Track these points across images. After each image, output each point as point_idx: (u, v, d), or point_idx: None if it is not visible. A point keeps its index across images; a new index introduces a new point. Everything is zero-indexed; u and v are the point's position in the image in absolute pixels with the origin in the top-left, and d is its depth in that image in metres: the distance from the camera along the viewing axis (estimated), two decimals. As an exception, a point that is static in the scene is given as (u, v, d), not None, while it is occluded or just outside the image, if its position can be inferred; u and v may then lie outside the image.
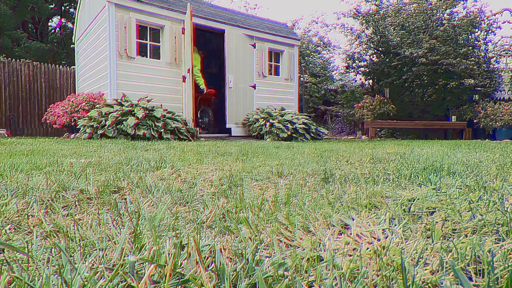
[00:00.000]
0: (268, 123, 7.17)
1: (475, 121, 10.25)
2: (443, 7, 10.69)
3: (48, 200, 1.21)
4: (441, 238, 0.86)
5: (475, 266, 0.68)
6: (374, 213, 1.09)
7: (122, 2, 6.43)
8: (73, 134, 6.38)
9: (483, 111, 10.03)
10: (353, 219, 1.00)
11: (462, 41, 10.80)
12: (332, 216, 1.02)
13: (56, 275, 0.64)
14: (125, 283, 0.62)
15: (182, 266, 0.68)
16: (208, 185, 1.57)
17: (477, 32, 11.00)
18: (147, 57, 6.96)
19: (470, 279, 0.65)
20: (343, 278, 0.64)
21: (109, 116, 5.51)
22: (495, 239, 0.84)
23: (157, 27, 7.01)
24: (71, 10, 16.51)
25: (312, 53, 15.18)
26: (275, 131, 7.06)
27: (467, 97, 11.06)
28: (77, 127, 5.93)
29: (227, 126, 7.91)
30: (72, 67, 10.30)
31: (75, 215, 1.08)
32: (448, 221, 0.98)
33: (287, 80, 9.16)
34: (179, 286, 0.62)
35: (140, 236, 0.84)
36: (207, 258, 0.73)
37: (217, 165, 2.24)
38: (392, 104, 10.98)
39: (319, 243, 0.84)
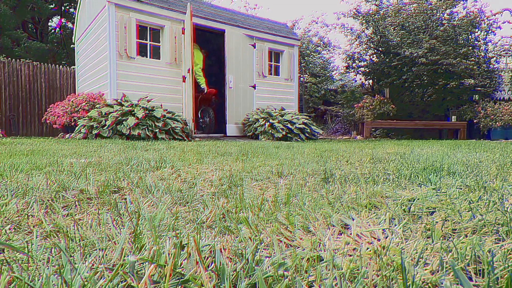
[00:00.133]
0: (268, 123, 7.18)
1: (475, 121, 10.25)
2: (443, 7, 10.69)
3: (48, 200, 1.21)
4: (441, 238, 0.86)
5: (475, 266, 0.68)
6: (374, 213, 1.09)
7: (122, 2, 6.43)
8: (68, 134, 6.38)
9: (483, 111, 10.03)
10: (353, 219, 1.00)
11: (462, 41, 10.80)
12: (332, 216, 1.02)
13: (56, 275, 0.64)
14: (125, 283, 0.62)
15: (182, 266, 0.68)
16: (208, 185, 1.57)
17: (477, 32, 11.00)
18: (147, 57, 6.96)
19: (470, 279, 0.65)
20: (343, 278, 0.64)
21: (109, 116, 5.51)
22: (495, 239, 0.84)
23: (157, 27, 7.01)
24: (71, 10, 16.51)
25: (312, 53, 15.19)
26: (270, 131, 7.07)
27: (467, 97, 11.06)
28: (77, 127, 5.93)
29: (227, 126, 7.91)
30: (72, 67, 10.29)
31: (75, 215, 1.08)
32: (448, 221, 0.98)
33: (287, 80, 9.16)
34: (179, 286, 0.62)
35: (140, 236, 0.84)
36: (207, 258, 0.73)
37: (217, 165, 2.24)
38: (392, 104, 10.98)
39: (319, 243, 0.84)
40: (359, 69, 12.51)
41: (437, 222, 0.98)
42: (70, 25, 16.61)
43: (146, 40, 6.98)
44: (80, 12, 8.74)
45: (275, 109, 8.01)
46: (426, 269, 0.68)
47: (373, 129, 11.62)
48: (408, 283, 0.61)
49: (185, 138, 6.10)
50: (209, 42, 8.96)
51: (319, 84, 14.70)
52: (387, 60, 11.65)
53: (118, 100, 6.05)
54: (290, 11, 60.20)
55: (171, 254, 0.70)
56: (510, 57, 11.25)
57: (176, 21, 7.10)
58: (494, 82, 11.07)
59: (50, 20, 17.08)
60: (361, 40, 12.09)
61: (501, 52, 11.08)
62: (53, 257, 0.73)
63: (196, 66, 7.39)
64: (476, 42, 11.13)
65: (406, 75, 11.13)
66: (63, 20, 16.52)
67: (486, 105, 10.15)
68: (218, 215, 1.06)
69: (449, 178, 1.72)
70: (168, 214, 1.08)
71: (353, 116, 11.94)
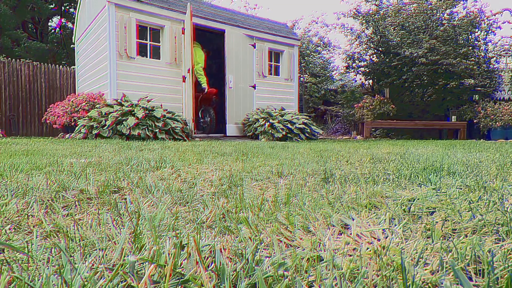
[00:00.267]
0: (268, 123, 7.18)
1: (475, 121, 10.24)
2: (443, 7, 10.69)
3: (48, 200, 1.21)
4: (441, 238, 0.86)
5: (475, 266, 0.68)
6: (374, 213, 1.09)
7: (122, 2, 6.43)
8: (68, 134, 6.38)
9: (483, 111, 10.03)
10: (353, 219, 1.00)
11: (462, 41, 10.79)
12: (332, 216, 1.02)
13: (56, 275, 0.64)
14: (125, 283, 0.62)
15: (182, 266, 0.68)
16: (208, 185, 1.57)
17: (477, 32, 11.00)
18: (147, 57, 6.96)
19: (470, 279, 0.65)
20: (343, 278, 0.64)
21: (109, 116, 5.51)
22: (495, 239, 0.84)
23: (157, 27, 7.01)
24: (71, 10, 16.50)
25: (312, 53, 15.19)
26: (270, 131, 7.06)
27: (467, 97, 11.06)
28: (77, 127, 5.93)
29: (227, 126, 7.91)
30: (72, 67, 10.29)
31: (75, 215, 1.08)
32: (448, 221, 0.98)
33: (287, 80, 9.16)
34: (179, 286, 0.62)
35: (140, 236, 0.84)
36: (207, 258, 0.73)
37: (217, 165, 2.24)
38: (392, 104, 10.98)
39: (319, 243, 0.84)
40: (359, 69, 12.51)
41: (437, 222, 0.98)
42: (70, 25, 16.61)
43: (146, 40, 6.98)
44: (80, 12, 8.74)
45: (275, 109, 8.01)
46: (426, 269, 0.68)
47: (373, 129, 11.62)
48: (408, 283, 0.61)
49: (185, 138, 6.10)
50: (209, 42, 8.96)
51: (319, 84, 14.70)
52: (387, 60, 11.65)
53: (118, 100, 6.05)
54: (290, 11, 60.22)
55: (171, 254, 0.70)
56: (510, 57, 11.25)
57: (176, 21, 7.10)
58: (494, 82, 11.06)
59: (50, 20, 17.08)
60: (361, 40, 12.09)
61: (501, 52, 11.08)
62: (53, 257, 0.73)
63: (198, 65, 7.38)
64: (476, 42, 11.13)
65: (406, 75, 11.13)
66: (63, 20, 16.52)
67: (486, 105, 10.15)
68: (218, 215, 1.06)
69: (449, 178, 1.72)
70: (168, 214, 1.08)
71: (353, 116, 11.94)
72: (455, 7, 10.97)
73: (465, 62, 10.00)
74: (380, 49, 11.82)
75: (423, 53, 10.06)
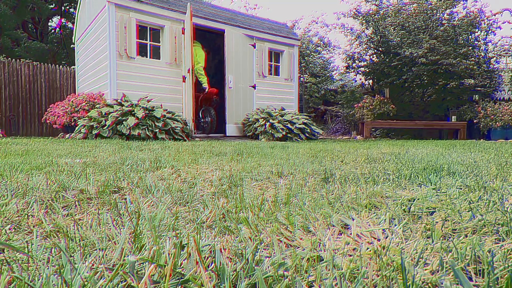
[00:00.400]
0: (268, 123, 7.17)
1: (475, 121, 10.24)
2: (443, 7, 10.69)
3: (48, 200, 1.21)
4: (441, 238, 0.86)
5: (475, 266, 0.68)
6: (374, 213, 1.09)
7: (122, 2, 6.43)
8: (68, 134, 6.37)
9: (483, 111, 10.03)
10: (353, 219, 1.00)
11: (462, 41, 10.79)
12: (332, 216, 1.02)
13: (56, 275, 0.64)
14: (125, 283, 0.62)
15: (182, 266, 0.68)
16: (208, 185, 1.57)
17: (477, 32, 10.99)
18: (147, 57, 6.96)
19: (470, 279, 0.65)
20: (343, 278, 0.64)
21: (109, 116, 5.51)
22: (495, 239, 0.84)
23: (157, 27, 7.01)
24: (71, 10, 16.51)
25: (312, 53, 15.18)
26: (270, 131, 7.06)
27: (467, 97, 11.05)
28: (77, 127, 5.93)
29: (226, 126, 7.91)
30: (72, 67, 10.29)
31: (75, 215, 1.08)
32: (448, 221, 0.98)
33: (287, 80, 9.16)
34: (179, 286, 0.62)
35: (140, 236, 0.84)
36: (207, 258, 0.73)
37: (217, 165, 2.24)
38: (392, 104, 10.98)
39: (319, 243, 0.84)
40: (359, 69, 12.51)
41: (437, 222, 0.98)
42: (70, 25, 16.61)
43: (146, 40, 6.98)
44: (80, 12, 8.74)
45: (275, 109, 8.01)
46: (426, 269, 0.68)
47: (373, 129, 11.62)
48: (408, 283, 0.61)
49: (185, 138, 6.09)
50: (209, 42, 8.96)
51: (319, 84, 14.70)
52: (387, 60, 11.65)
53: (118, 100, 6.05)
54: (290, 11, 60.23)
55: (171, 254, 0.70)
56: (510, 57, 11.24)
57: (176, 21, 7.10)
58: (494, 82, 11.06)
59: (50, 20, 17.08)
60: (361, 40, 12.09)
61: (501, 52, 11.08)
62: (53, 257, 0.73)
63: (198, 64, 7.37)
64: (476, 42, 11.12)
65: (406, 75, 11.13)
66: (63, 20, 16.52)
67: (486, 105, 10.15)
68: (218, 215, 1.06)
69: (449, 178, 1.72)
70: (168, 214, 1.08)
71: (353, 116, 11.94)
72: (455, 7, 10.96)
73: (465, 62, 10.00)
74: (380, 49, 11.82)
75: (423, 53, 10.06)
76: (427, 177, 1.71)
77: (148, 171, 1.93)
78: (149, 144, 4.34)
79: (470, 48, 10.71)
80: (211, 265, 0.69)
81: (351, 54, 12.39)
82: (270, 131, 7.08)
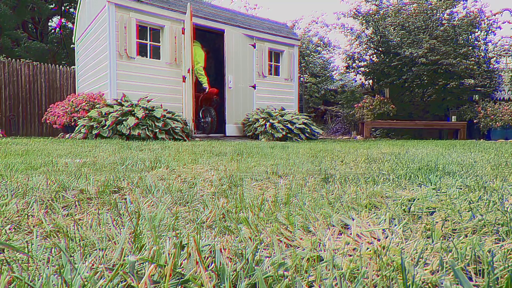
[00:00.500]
0: (268, 123, 7.18)
1: (475, 121, 10.24)
2: (443, 7, 10.69)
3: (48, 200, 1.21)
4: (441, 238, 0.86)
5: (475, 266, 0.68)
6: (374, 213, 1.09)
7: (122, 2, 6.43)
8: (68, 134, 6.37)
9: (483, 111, 10.03)
10: (353, 219, 1.00)
11: (462, 41, 10.79)
12: (332, 216, 1.02)
13: (56, 275, 0.64)
14: (125, 283, 0.62)
15: (182, 266, 0.68)
16: (208, 185, 1.57)
17: (477, 32, 10.99)
18: (147, 57, 6.96)
19: (470, 279, 0.65)
20: (343, 278, 0.64)
21: (109, 116, 5.51)
22: (495, 239, 0.84)
23: (157, 27, 7.01)
24: (71, 10, 16.51)
25: (312, 53, 15.18)
26: (270, 131, 7.06)
27: (467, 97, 11.05)
28: (77, 127, 5.93)
29: (226, 126, 7.91)
30: (72, 67, 10.29)
31: (75, 215, 1.08)
32: (448, 221, 0.98)
33: (287, 80, 9.16)
34: (179, 286, 0.62)
35: (140, 236, 0.84)
36: (207, 258, 0.73)
37: (217, 165, 2.24)
38: (392, 104, 10.98)
39: (319, 243, 0.84)
40: (359, 69, 12.51)
41: (437, 222, 0.98)
42: (70, 25, 16.61)
43: (146, 40, 6.98)
44: (80, 12, 8.74)
45: (275, 109, 8.01)
46: (426, 269, 0.68)
47: (373, 129, 11.62)
48: (408, 283, 0.61)
49: (185, 138, 6.09)
50: (209, 42, 8.96)
51: (319, 84, 14.70)
52: (387, 60, 11.65)
53: (118, 100, 6.05)
54: (290, 11, 60.23)
55: (171, 254, 0.70)
56: (510, 57, 11.24)
57: (176, 21, 7.10)
58: (494, 82, 11.06)
59: (50, 20, 17.08)
60: (361, 40, 12.09)
61: (501, 52, 11.07)
62: (53, 257, 0.73)
63: (198, 64, 7.37)
64: (476, 42, 11.12)
65: (406, 75, 11.13)
66: (63, 20, 16.52)
67: (486, 105, 10.15)
68: (218, 215, 1.06)
69: (449, 178, 1.72)
70: (168, 214, 1.08)
71: (353, 116, 11.94)
72: (455, 7, 10.96)
73: (465, 62, 10.00)
74: (380, 49, 11.82)
75: (423, 53, 10.06)
76: (427, 177, 1.71)
77: (148, 171, 1.93)
78: (149, 144, 4.34)
79: (470, 48, 10.71)
80: (211, 265, 0.69)
81: (351, 54, 12.39)
82: (270, 131, 7.08)
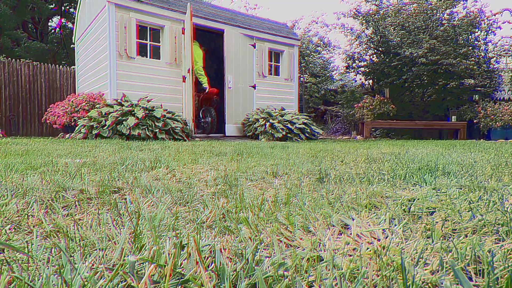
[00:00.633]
0: (268, 123, 7.17)
1: (475, 121, 10.24)
2: (443, 7, 10.69)
3: (48, 200, 1.21)
4: (441, 238, 0.86)
5: (475, 266, 0.68)
6: (374, 213, 1.09)
7: (122, 2, 6.43)
8: (68, 134, 6.37)
9: (483, 111, 10.03)
10: (353, 219, 1.00)
11: (462, 41, 10.79)
12: (332, 216, 1.02)
13: (56, 275, 0.64)
14: (125, 283, 0.62)
15: (182, 266, 0.68)
16: (203, 185, 1.57)
17: (477, 32, 10.99)
18: (147, 57, 6.96)
19: (470, 279, 0.65)
20: (343, 278, 0.64)
21: (109, 116, 5.51)
22: (495, 239, 0.84)
23: (157, 27, 7.01)
24: (71, 10, 16.51)
25: (312, 53, 15.18)
26: (270, 131, 7.06)
27: (467, 97, 11.05)
28: (77, 127, 5.93)
29: (226, 126, 7.91)
30: (72, 67, 10.29)
31: (75, 215, 1.08)
32: (448, 221, 0.98)
33: (287, 80, 9.16)
34: (179, 286, 0.62)
35: (140, 236, 0.84)
36: (207, 258, 0.73)
37: (216, 165, 2.24)
38: (392, 104, 10.98)
39: (319, 243, 0.84)
40: (359, 69, 12.51)
41: (437, 222, 0.98)
42: (70, 25, 16.61)
43: (146, 40, 6.98)
44: (80, 12, 8.74)
45: (275, 109, 8.01)
46: (426, 269, 0.68)
47: (373, 129, 11.62)
48: (408, 283, 0.61)
49: (185, 138, 6.09)
50: (209, 42, 8.96)
51: (319, 84, 14.70)
52: (387, 60, 11.65)
53: (118, 100, 6.05)
54: (290, 11, 60.26)
55: (171, 254, 0.70)
56: (510, 57, 11.24)
57: (176, 21, 7.10)
58: (494, 82, 11.06)
59: (50, 20, 17.08)
60: (361, 40, 12.09)
61: (501, 52, 11.07)
62: (53, 257, 0.73)
63: (197, 64, 7.37)
64: (476, 42, 11.12)
65: (406, 75, 11.13)
66: (63, 20, 16.52)
67: (486, 105, 10.15)
68: (218, 215, 1.06)
69: (448, 178, 1.72)
70: (168, 214, 1.08)
71: (353, 116, 11.93)
72: (455, 7, 10.96)
73: (465, 62, 10.00)
74: (380, 49, 11.82)
75: (423, 53, 10.06)
76: (422, 177, 1.71)
77: (149, 171, 1.93)
78: (149, 144, 4.34)
79: (470, 48, 10.71)
80: (211, 265, 0.69)
81: (351, 54, 12.39)
82: (270, 131, 7.08)
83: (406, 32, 10.86)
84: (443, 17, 10.98)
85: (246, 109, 8.17)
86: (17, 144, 3.94)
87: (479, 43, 11.18)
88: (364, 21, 11.57)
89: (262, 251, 0.79)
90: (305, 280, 0.64)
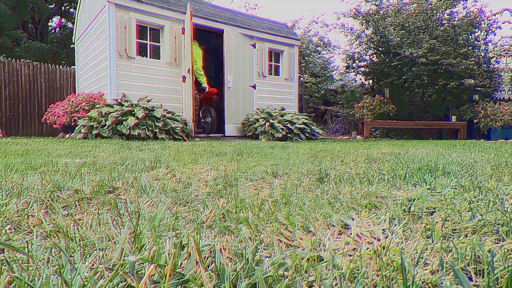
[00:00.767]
0: (268, 123, 7.18)
1: (475, 121, 10.24)
2: (443, 7, 10.69)
3: (48, 200, 1.21)
4: (441, 238, 0.86)
5: (475, 266, 0.68)
6: (374, 213, 1.09)
7: (122, 2, 6.43)
8: (68, 134, 6.38)
9: (483, 111, 10.03)
10: (353, 219, 1.00)
11: (462, 41, 10.79)
12: (332, 216, 1.02)
13: (56, 275, 0.64)
14: (125, 283, 0.62)
15: (182, 266, 0.68)
16: (203, 185, 1.57)
17: (477, 32, 10.99)
18: (147, 57, 6.96)
19: (470, 279, 0.65)
20: (343, 278, 0.64)
21: (109, 116, 5.51)
22: (495, 239, 0.84)
23: (157, 27, 7.01)
24: (71, 10, 16.51)
25: (312, 53, 15.19)
26: (270, 131, 7.06)
27: (467, 97, 11.05)
28: (77, 127, 5.93)
29: (225, 126, 7.91)
30: (72, 67, 10.29)
31: (75, 215, 1.08)
32: (448, 221, 0.98)
33: (287, 80, 9.16)
34: (179, 286, 0.62)
35: (140, 236, 0.84)
36: (207, 258, 0.73)
37: (212, 165, 2.24)
38: (392, 104, 10.98)
39: (319, 243, 0.84)
40: (359, 69, 12.51)
41: (437, 222, 0.98)
42: (70, 25, 16.61)
43: (146, 40, 6.98)
44: (80, 12, 8.74)
45: (275, 109, 8.01)
46: (426, 269, 0.68)
47: (373, 129, 11.62)
48: (408, 283, 0.61)
49: (185, 138, 6.09)
50: (209, 42, 8.96)
51: (319, 84, 14.70)
52: (387, 60, 11.65)
53: (118, 100, 6.05)
54: (290, 11, 60.27)
55: (171, 254, 0.70)
56: (510, 57, 11.24)
57: (176, 21, 7.10)
58: (494, 82, 11.06)
59: (50, 20, 17.08)
60: (361, 40, 12.09)
61: (501, 52, 11.07)
62: (53, 257, 0.73)
63: (196, 64, 7.37)
64: (476, 42, 11.12)
65: (406, 75, 11.13)
66: (63, 20, 16.52)
67: (486, 105, 10.15)
68: (218, 215, 1.06)
69: (447, 178, 1.72)
70: (168, 214, 1.08)
71: (353, 116, 11.94)
72: (455, 7, 10.96)
73: (465, 62, 10.00)
74: (380, 49, 11.82)
75: (423, 53, 10.06)
76: (422, 177, 1.71)
77: (149, 171, 1.93)
78: (149, 144, 4.34)
79: (470, 48, 10.71)
80: (211, 265, 0.69)
81: (351, 54, 12.39)
82: (270, 131, 7.08)
83: (406, 32, 10.86)
84: (443, 17, 10.98)
85: (246, 109, 8.17)
86: (17, 144, 3.94)
87: (479, 43, 11.18)
88: (364, 21, 11.57)
89: (262, 251, 0.79)
90: (305, 280, 0.64)
